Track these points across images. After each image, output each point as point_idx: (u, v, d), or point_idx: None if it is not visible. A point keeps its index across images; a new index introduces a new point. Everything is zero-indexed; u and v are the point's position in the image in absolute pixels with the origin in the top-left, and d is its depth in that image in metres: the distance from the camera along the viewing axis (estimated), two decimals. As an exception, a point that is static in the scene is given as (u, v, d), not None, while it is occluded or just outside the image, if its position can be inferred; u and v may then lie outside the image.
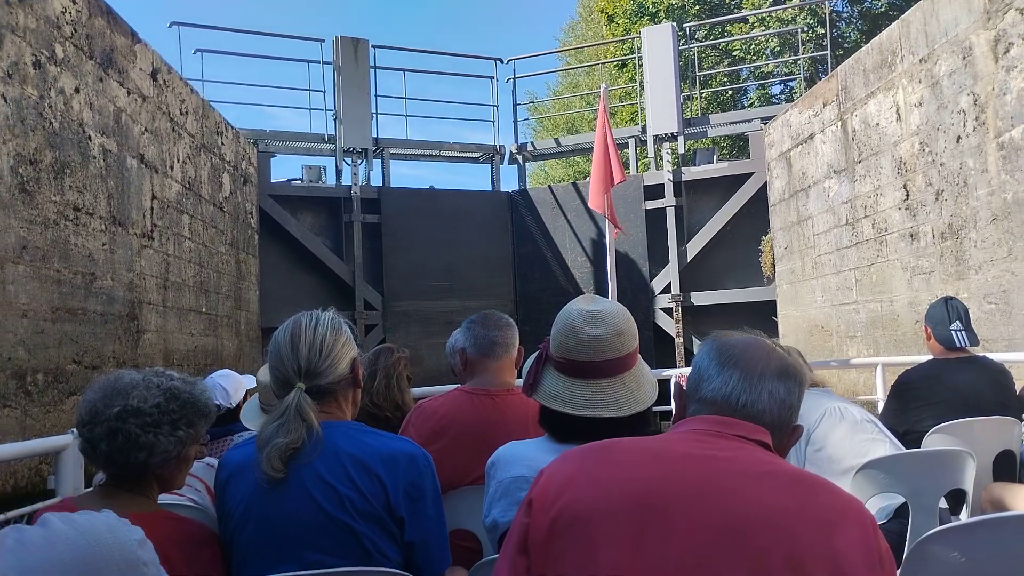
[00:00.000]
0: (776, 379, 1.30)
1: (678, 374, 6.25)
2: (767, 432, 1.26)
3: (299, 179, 11.37)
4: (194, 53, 10.44)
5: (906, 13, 6.96)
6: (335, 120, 11.32)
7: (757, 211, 10.66)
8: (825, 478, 1.22)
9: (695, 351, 1.37)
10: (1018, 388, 3.37)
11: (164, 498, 2.32)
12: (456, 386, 2.57)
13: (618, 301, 1.87)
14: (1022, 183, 5.46)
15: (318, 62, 11.25)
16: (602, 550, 1.10)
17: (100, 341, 5.76)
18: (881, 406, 4.19)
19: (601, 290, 10.31)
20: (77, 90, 5.58)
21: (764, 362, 1.32)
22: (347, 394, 1.80)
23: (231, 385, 3.51)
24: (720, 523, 1.10)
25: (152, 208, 6.83)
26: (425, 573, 1.66)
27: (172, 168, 7.35)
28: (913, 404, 3.32)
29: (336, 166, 11.45)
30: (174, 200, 7.37)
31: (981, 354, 3.54)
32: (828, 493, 1.17)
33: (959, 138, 6.19)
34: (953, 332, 3.40)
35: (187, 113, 7.82)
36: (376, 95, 11.63)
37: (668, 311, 11.07)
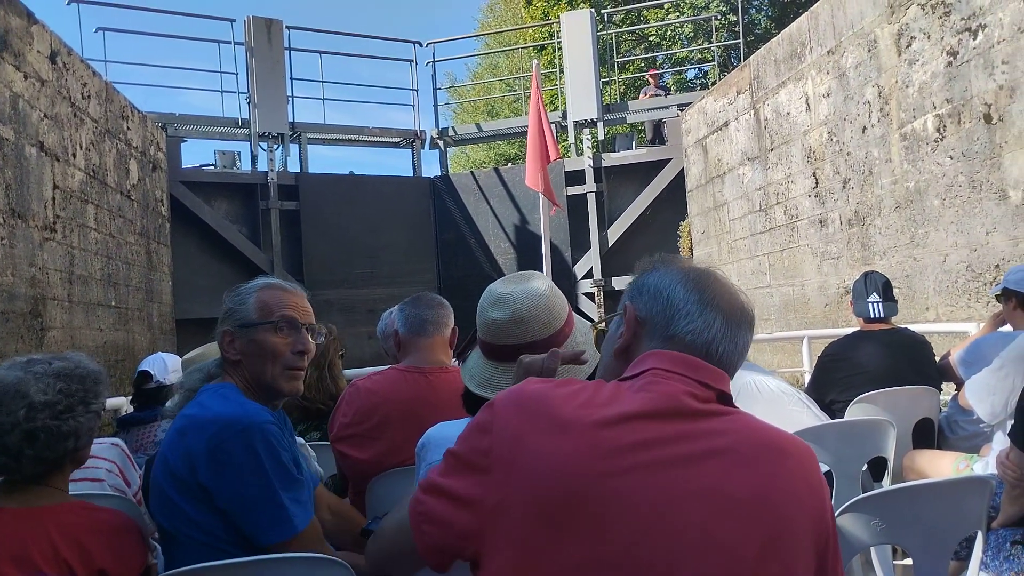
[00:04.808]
0: (748, 329, 1.17)
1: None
2: (727, 379, 1.14)
3: (212, 165, 10.95)
4: (95, 32, 9.89)
5: (815, 5, 7.20)
6: (249, 104, 10.94)
7: (675, 197, 10.90)
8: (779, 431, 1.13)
9: (646, 278, 1.21)
10: (937, 359, 3.56)
11: (90, 487, 2.25)
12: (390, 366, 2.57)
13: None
14: (924, 173, 5.75)
15: (229, 43, 10.84)
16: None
17: (1, 341, 5.44)
18: (807, 377, 4.37)
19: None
20: (-33, 74, 5.22)
21: (740, 307, 1.17)
22: (232, 367, 1.82)
23: (172, 363, 3.39)
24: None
25: (54, 198, 6.47)
26: (258, 540, 1.62)
27: (74, 156, 6.97)
28: (837, 375, 3.46)
29: (251, 151, 11.06)
30: (78, 189, 7.00)
31: (903, 326, 3.72)
32: (791, 463, 1.07)
33: (864, 128, 6.46)
34: (870, 304, 3.56)
35: (89, 97, 7.42)
36: (292, 78, 11.31)
37: (590, 296, 11.23)
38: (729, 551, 0.97)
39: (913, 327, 3.91)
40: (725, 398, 1.11)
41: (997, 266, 5.05)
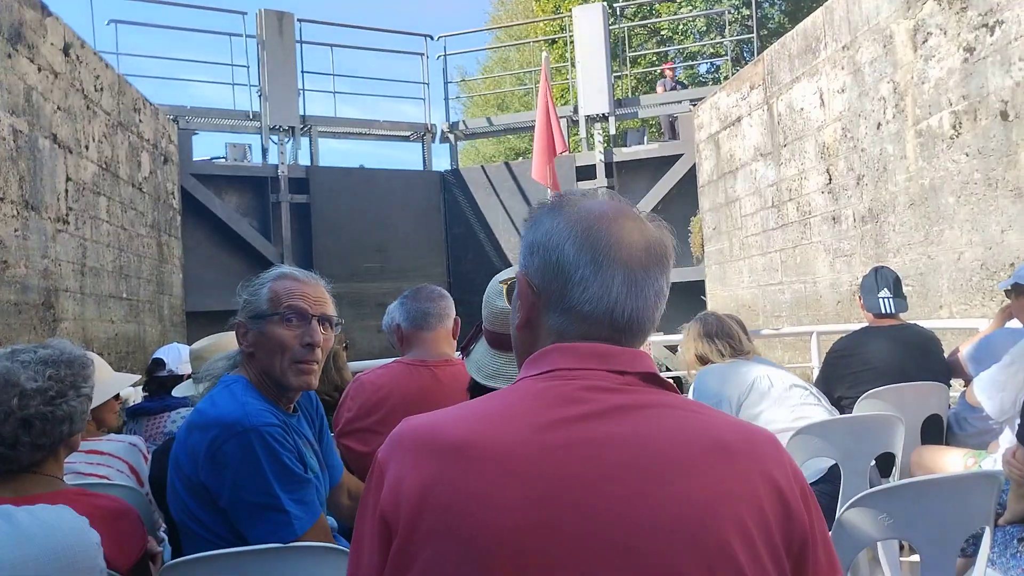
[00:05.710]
0: (660, 272, 0.99)
1: None
2: (649, 358, 0.97)
3: (223, 157, 10.99)
4: (107, 24, 9.94)
5: (829, 0, 7.14)
6: (260, 96, 10.96)
7: (687, 192, 10.86)
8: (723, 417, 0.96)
9: (535, 233, 0.97)
10: (946, 354, 3.53)
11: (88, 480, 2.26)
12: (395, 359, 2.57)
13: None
14: (938, 170, 5.69)
15: (241, 35, 10.86)
16: None
17: (15, 332, 5.48)
18: (816, 373, 4.35)
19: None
20: (-18, 66, 5.25)
21: (644, 250, 0.97)
22: (246, 360, 1.83)
23: (187, 354, 3.42)
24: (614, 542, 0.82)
25: (67, 190, 6.51)
26: (255, 540, 1.60)
27: (87, 148, 7.00)
28: (846, 371, 3.44)
29: (262, 144, 11.08)
30: (90, 181, 7.04)
31: (912, 321, 3.69)
32: (742, 458, 0.89)
33: (879, 125, 6.41)
34: (880, 299, 3.54)
35: (102, 89, 7.46)
36: (303, 71, 11.32)
37: (600, 290, 11.20)
38: None
39: (926, 324, 3.88)
40: (649, 377, 0.95)
41: (1012, 264, 5.00)
